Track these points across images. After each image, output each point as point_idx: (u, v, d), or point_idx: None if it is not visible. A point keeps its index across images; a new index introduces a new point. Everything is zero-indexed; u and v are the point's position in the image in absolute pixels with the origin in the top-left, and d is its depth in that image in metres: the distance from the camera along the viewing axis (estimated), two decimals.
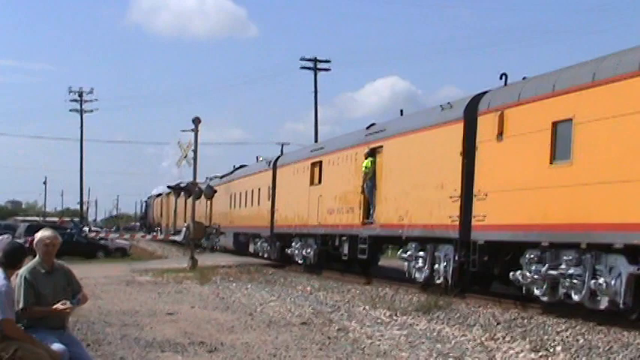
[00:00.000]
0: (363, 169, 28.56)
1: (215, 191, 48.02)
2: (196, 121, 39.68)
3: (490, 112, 21.35)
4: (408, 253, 25.47)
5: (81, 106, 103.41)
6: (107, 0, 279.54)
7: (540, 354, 14.20)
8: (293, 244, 37.37)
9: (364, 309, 21.15)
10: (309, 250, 35.20)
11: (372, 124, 30.39)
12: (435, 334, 16.77)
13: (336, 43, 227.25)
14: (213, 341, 15.38)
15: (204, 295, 25.07)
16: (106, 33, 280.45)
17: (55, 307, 9.60)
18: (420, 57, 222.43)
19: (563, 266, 18.05)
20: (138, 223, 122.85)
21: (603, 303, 16.99)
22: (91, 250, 56.57)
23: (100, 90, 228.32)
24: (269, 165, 42.53)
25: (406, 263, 25.69)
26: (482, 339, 15.91)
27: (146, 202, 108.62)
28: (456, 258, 22.57)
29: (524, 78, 21.51)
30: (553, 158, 18.60)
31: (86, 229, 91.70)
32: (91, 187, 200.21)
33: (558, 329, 16.58)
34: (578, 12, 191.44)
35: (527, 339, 15.65)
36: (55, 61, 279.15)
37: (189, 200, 62.05)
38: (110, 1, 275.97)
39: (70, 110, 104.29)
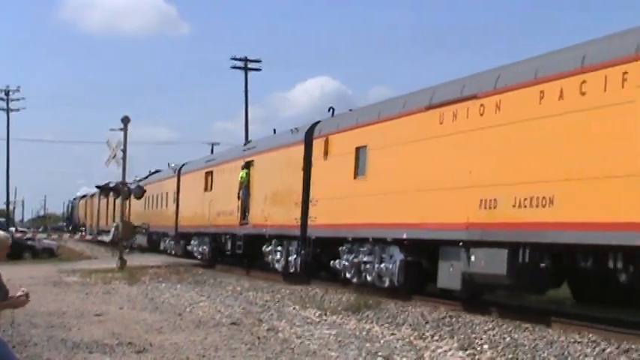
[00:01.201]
0: (240, 178, 34.16)
1: (144, 191, 47.90)
2: (125, 120, 39.43)
3: (320, 137, 27.37)
4: (270, 247, 31.25)
5: (7, 105, 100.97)
6: None
7: (468, 352, 14.40)
8: (192, 241, 43.18)
9: (294, 309, 21.20)
10: (204, 247, 40.93)
11: (249, 141, 37.19)
12: (364, 333, 16.88)
13: (267, 43, 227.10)
14: (141, 342, 15.28)
15: (133, 296, 24.91)
16: (35, 30, 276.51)
17: (17, 294, 9.42)
18: (350, 57, 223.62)
19: (361, 256, 23.92)
20: (64, 224, 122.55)
21: (386, 282, 22.71)
22: (18, 251, 55.31)
23: (27, 88, 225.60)
24: (174, 172, 48.32)
25: (270, 256, 31.26)
26: (411, 338, 16.07)
27: (71, 203, 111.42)
28: (300, 251, 28.27)
29: (350, 110, 27.78)
30: (356, 174, 24.58)
31: (12, 229, 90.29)
32: (17, 187, 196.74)
33: (485, 328, 16.82)
34: (502, 13, 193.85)
35: (455, 337, 15.85)
36: None
37: (112, 201, 64.60)
38: None
39: None
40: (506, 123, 17.91)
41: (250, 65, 69.41)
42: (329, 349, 14.78)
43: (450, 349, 14.67)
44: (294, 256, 28.78)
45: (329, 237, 26.00)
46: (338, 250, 25.52)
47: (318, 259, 27.50)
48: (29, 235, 72.45)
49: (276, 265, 30.57)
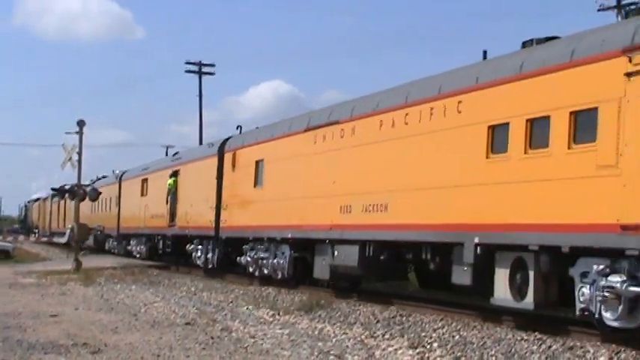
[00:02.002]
0: (168, 185, 38.38)
1: (100, 193, 47.74)
2: (81, 123, 39.23)
3: (230, 151, 31.44)
4: (192, 246, 35.24)
5: None
6: None
7: (418, 350, 14.43)
8: (131, 241, 47.11)
9: (247, 309, 21.22)
10: (142, 247, 44.82)
11: (177, 153, 41.90)
12: (316, 332, 16.90)
13: (220, 47, 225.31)
14: (96, 342, 15.21)
15: (89, 297, 24.77)
16: None
17: None
18: (303, 61, 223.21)
19: (259, 252, 27.92)
20: (18, 226, 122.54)
21: (279, 275, 26.52)
22: None
23: None
24: (117, 178, 52.38)
25: (193, 254, 35.12)
26: (363, 337, 16.11)
27: (25, 206, 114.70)
28: (214, 249, 32.50)
29: (257, 127, 31.35)
30: (255, 183, 28.61)
31: None
32: None
33: (435, 326, 16.98)
34: (458, 18, 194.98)
35: (406, 336, 15.93)
36: None
37: (63, 204, 65.47)
38: None
39: None
40: (359, 145, 22.08)
41: (204, 69, 69.14)
42: (282, 349, 14.79)
43: (400, 348, 14.74)
44: (211, 253, 32.85)
45: (236, 237, 30.13)
46: (243, 247, 29.46)
47: (229, 255, 31.25)
48: None
49: (198, 262, 34.55)
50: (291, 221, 25.37)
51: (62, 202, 69.21)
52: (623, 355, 13.27)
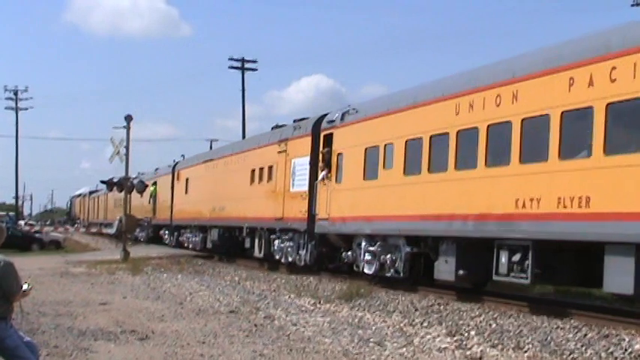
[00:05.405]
0: (150, 191, 55.26)
1: (146, 185, 48.29)
2: (128, 118, 39.79)
3: (177, 171, 49.57)
4: (162, 231, 53.50)
5: (16, 104, 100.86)
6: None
7: (455, 338, 14.44)
8: (138, 230, 63.18)
9: (289, 297, 21.34)
10: (142, 233, 59.98)
11: (158, 169, 58.29)
12: (356, 320, 16.97)
13: (263, 43, 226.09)
14: (144, 329, 15.41)
15: (136, 286, 25.04)
16: (42, 32, 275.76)
17: (24, 290, 9.22)
18: (344, 57, 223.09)
19: (188, 234, 45.68)
20: (65, 217, 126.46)
21: (198, 247, 43.89)
22: (26, 243, 55.70)
23: (35, 88, 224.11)
24: None
25: (164, 237, 53.15)
26: (401, 325, 16.17)
27: (71, 200, 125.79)
28: (172, 233, 50.53)
29: (195, 155, 52.42)
30: (186, 192, 46.55)
31: (22, 222, 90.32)
32: (26, 182, 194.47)
33: (472, 315, 16.97)
34: (492, 15, 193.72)
35: (444, 324, 15.96)
36: None
37: (98, 200, 69.36)
38: (46, 1, 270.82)
39: (6, 108, 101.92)
40: (220, 172, 39.73)
41: (247, 65, 69.44)
42: (323, 336, 14.87)
43: (438, 335, 14.78)
44: (172, 236, 50.62)
45: (180, 224, 48.04)
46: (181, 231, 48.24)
47: (180, 236, 48.60)
48: (37, 229, 72.37)
49: (167, 242, 52.19)
50: (197, 215, 43.03)
51: (97, 198, 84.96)
52: None
